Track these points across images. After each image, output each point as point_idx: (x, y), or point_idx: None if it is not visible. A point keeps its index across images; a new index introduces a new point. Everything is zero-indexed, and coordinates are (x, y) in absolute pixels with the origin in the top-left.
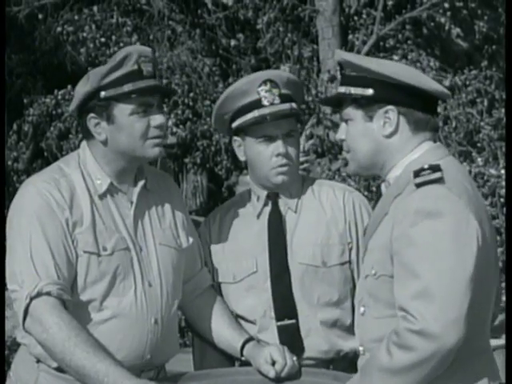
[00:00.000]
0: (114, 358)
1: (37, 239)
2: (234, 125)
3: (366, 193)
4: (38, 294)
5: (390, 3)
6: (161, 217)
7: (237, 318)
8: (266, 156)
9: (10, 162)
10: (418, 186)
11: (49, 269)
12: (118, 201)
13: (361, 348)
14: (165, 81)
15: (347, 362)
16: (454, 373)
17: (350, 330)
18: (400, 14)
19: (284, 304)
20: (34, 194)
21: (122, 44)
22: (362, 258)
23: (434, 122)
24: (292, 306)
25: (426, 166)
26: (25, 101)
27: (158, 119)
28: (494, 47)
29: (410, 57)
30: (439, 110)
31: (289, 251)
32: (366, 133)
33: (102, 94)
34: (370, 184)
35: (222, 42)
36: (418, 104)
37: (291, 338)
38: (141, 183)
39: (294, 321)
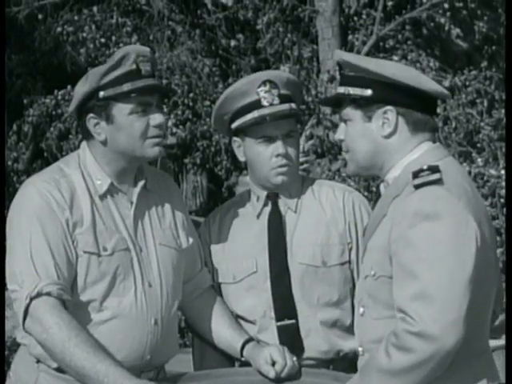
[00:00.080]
0: (114, 358)
1: (37, 239)
2: (234, 125)
3: (365, 193)
4: (38, 294)
5: (389, 4)
6: (161, 217)
7: (237, 318)
8: (265, 156)
9: (9, 163)
10: (417, 187)
11: (49, 269)
12: (118, 201)
13: (360, 349)
14: (165, 81)
15: (347, 362)
16: (453, 374)
17: (349, 330)
18: (400, 14)
19: (284, 304)
20: (34, 194)
21: (121, 44)
22: (361, 259)
23: (433, 123)
24: (292, 306)
25: (424, 167)
26: (25, 101)
27: (157, 118)
28: (493, 48)
29: (409, 57)
30: (439, 110)
31: (289, 251)
32: (364, 133)
33: (101, 93)
34: (370, 184)
35: (221, 43)
36: (416, 104)
37: (291, 338)
38: (141, 183)
39: (293, 321)
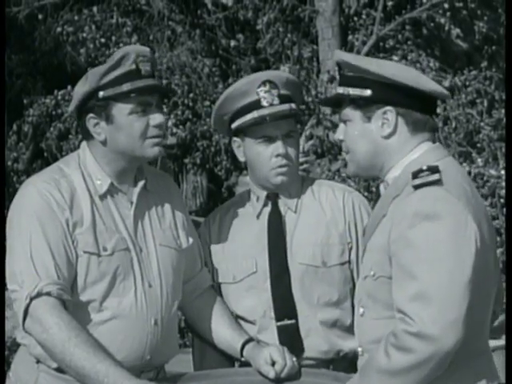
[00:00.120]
0: (114, 358)
1: (37, 239)
2: (234, 125)
3: (365, 193)
4: (38, 295)
5: (389, 4)
6: (161, 217)
7: (237, 318)
8: (265, 157)
9: (9, 163)
10: (416, 187)
11: (49, 269)
12: (118, 201)
13: (360, 349)
14: (164, 81)
15: (347, 362)
16: (453, 374)
17: (349, 330)
18: (400, 14)
19: (284, 304)
20: (34, 194)
21: (121, 44)
22: (361, 259)
23: (433, 123)
24: (292, 306)
25: (424, 168)
26: (25, 101)
27: (157, 118)
28: (493, 48)
29: (409, 57)
30: (439, 110)
31: (288, 251)
32: (364, 134)
33: (101, 93)
34: (370, 185)
35: (221, 43)
36: (416, 105)
37: (291, 339)
38: (141, 183)
39: (293, 321)
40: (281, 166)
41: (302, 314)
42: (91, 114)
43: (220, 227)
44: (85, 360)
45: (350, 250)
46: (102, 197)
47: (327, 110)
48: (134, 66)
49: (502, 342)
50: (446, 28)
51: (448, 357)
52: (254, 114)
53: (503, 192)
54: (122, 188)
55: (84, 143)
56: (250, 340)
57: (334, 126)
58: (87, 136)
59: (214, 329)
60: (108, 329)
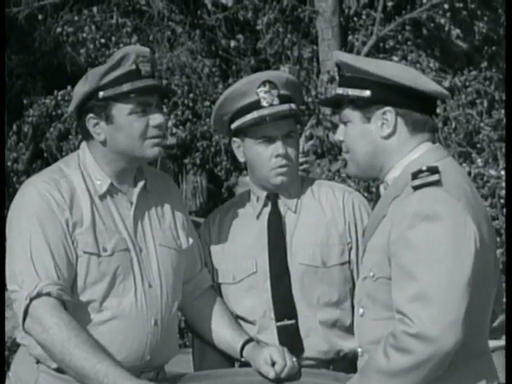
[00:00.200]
0: (114, 358)
1: (37, 239)
2: (234, 126)
3: (365, 194)
4: (38, 295)
5: (389, 4)
6: (161, 217)
7: (236, 318)
8: (265, 157)
9: (9, 163)
10: (416, 188)
11: (49, 269)
12: (117, 201)
13: (359, 349)
14: (164, 82)
15: (347, 363)
16: (452, 374)
17: (349, 330)
18: (400, 14)
19: (284, 304)
20: (34, 195)
21: (121, 45)
22: (360, 259)
23: (433, 123)
24: (292, 306)
25: (424, 168)
26: (24, 101)
27: (156, 119)
28: (493, 48)
29: (409, 58)
30: (439, 111)
31: (288, 251)
32: (363, 134)
33: (101, 94)
34: (370, 185)
35: (221, 43)
36: (415, 105)
37: (291, 339)
38: (140, 184)
39: (293, 321)
40: (281, 167)
41: (301, 314)
42: (91, 114)
43: (220, 228)
44: (84, 360)
45: (350, 250)
46: (102, 197)
47: (327, 111)
48: (134, 67)
49: (501, 342)
50: (446, 28)
51: (447, 357)
52: (254, 115)
53: (503, 192)
54: (121, 188)
55: (84, 143)
56: (249, 340)
57: (334, 127)
58: (87, 136)
59: (214, 329)
60: (108, 329)
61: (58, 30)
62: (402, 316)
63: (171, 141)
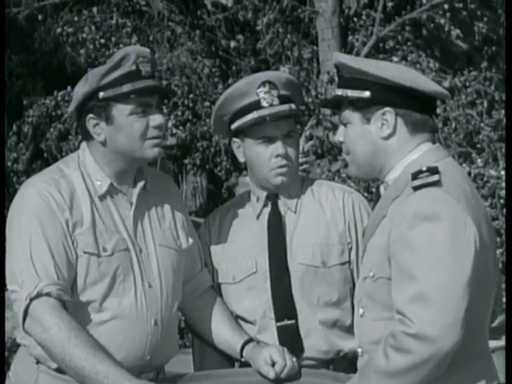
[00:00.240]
0: (114, 358)
1: (37, 240)
2: (234, 126)
3: (365, 194)
4: (38, 295)
5: (389, 4)
6: (160, 218)
7: (236, 318)
8: (265, 157)
9: (9, 163)
10: (416, 188)
11: (48, 269)
12: (117, 202)
13: (359, 350)
14: (164, 82)
15: (347, 362)
16: (452, 375)
17: (349, 330)
18: (400, 15)
19: (284, 304)
20: (33, 195)
21: (121, 45)
22: (360, 260)
23: (433, 123)
24: (292, 306)
25: (424, 168)
26: (24, 102)
27: (157, 119)
28: (493, 48)
29: (409, 58)
30: (439, 111)
31: (288, 251)
32: (363, 135)
33: (101, 94)
34: (370, 185)
35: (221, 43)
36: (415, 105)
37: (291, 339)
38: (140, 184)
39: (293, 321)
40: (281, 167)
41: (301, 314)
42: (91, 115)
43: (220, 228)
44: (84, 360)
45: (350, 250)
46: (102, 197)
47: (327, 111)
48: (134, 67)
49: (501, 342)
50: (446, 29)
51: (447, 358)
52: (254, 115)
53: (503, 193)
54: (121, 189)
55: (84, 144)
56: (249, 340)
57: (334, 127)
58: (87, 136)
59: (214, 329)
60: (108, 329)
61: (58, 30)
62: (402, 316)
63: (171, 141)
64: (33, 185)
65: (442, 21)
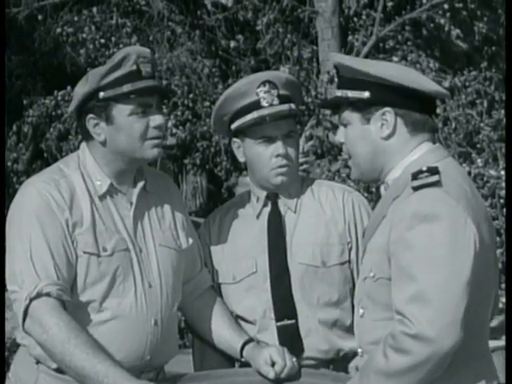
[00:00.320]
0: (114, 359)
1: (36, 239)
2: (234, 126)
3: (365, 194)
4: (38, 295)
5: (389, 4)
6: (160, 218)
7: (236, 318)
8: (265, 157)
9: (9, 163)
10: (416, 189)
11: (48, 269)
12: (117, 202)
13: (359, 350)
14: (164, 82)
15: (347, 362)
16: (452, 375)
17: (349, 329)
18: (400, 15)
19: (284, 304)
20: (33, 195)
21: (121, 45)
22: (360, 260)
23: (432, 123)
24: (292, 306)
25: (424, 169)
26: (24, 102)
27: (157, 120)
28: (493, 48)
29: (409, 58)
30: (439, 111)
31: (288, 251)
32: (363, 135)
33: (101, 94)
34: (370, 185)
35: (221, 43)
36: (415, 105)
37: (291, 339)
38: (140, 184)
39: (293, 321)
40: (281, 166)
41: (301, 314)
42: (91, 115)
43: (220, 228)
44: (84, 360)
45: (350, 249)
46: (102, 197)
47: (327, 111)
48: (134, 67)
49: (501, 342)
50: (446, 29)
51: (446, 358)
52: (254, 115)
53: (503, 192)
54: (121, 189)
55: (84, 144)
56: (249, 340)
57: (334, 127)
58: (87, 136)
59: (214, 329)
60: (108, 329)
61: (58, 30)
62: (401, 317)
63: (171, 141)
64: (33, 185)
65: (442, 21)
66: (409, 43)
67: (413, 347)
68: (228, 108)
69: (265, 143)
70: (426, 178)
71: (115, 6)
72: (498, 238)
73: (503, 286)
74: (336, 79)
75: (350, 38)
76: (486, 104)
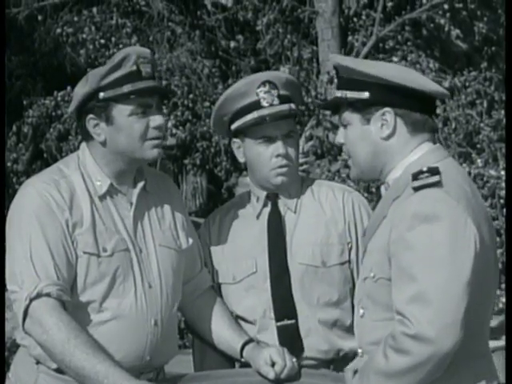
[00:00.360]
0: (114, 359)
1: (36, 240)
2: (234, 126)
3: (365, 194)
4: (38, 295)
5: (389, 4)
6: (160, 218)
7: (236, 318)
8: (265, 157)
9: (9, 164)
10: (416, 189)
11: (48, 270)
12: (117, 202)
13: (359, 350)
14: (164, 82)
15: (347, 363)
16: (452, 376)
17: (349, 329)
18: (399, 15)
19: (284, 304)
20: (33, 195)
21: (121, 45)
22: (361, 260)
23: (432, 123)
24: (292, 306)
25: (424, 169)
26: (24, 102)
27: (157, 120)
28: (493, 48)
29: (409, 58)
30: (439, 111)
31: (288, 251)
32: (363, 136)
33: (101, 94)
34: (370, 185)
35: (221, 44)
36: (414, 105)
37: (291, 339)
38: (140, 184)
39: (293, 321)
40: (281, 167)
41: (301, 314)
42: (91, 115)
43: (220, 228)
44: (84, 361)
45: (350, 249)
46: (102, 197)
47: (327, 111)
48: (134, 68)
49: (501, 342)
50: (446, 29)
51: (446, 358)
52: (254, 115)
53: (503, 193)
54: (121, 189)
55: (84, 144)
56: (249, 341)
57: (334, 127)
58: (87, 137)
59: (214, 329)
60: (108, 329)
61: (58, 30)
62: (402, 317)
63: (171, 141)
64: (32, 185)
65: (442, 21)
66: (409, 43)
67: (413, 347)
68: (228, 108)
69: (265, 143)
70: (426, 178)
71: (115, 7)
72: (498, 238)
73: (503, 286)
74: (336, 80)
75: (349, 38)
76: (485, 104)
